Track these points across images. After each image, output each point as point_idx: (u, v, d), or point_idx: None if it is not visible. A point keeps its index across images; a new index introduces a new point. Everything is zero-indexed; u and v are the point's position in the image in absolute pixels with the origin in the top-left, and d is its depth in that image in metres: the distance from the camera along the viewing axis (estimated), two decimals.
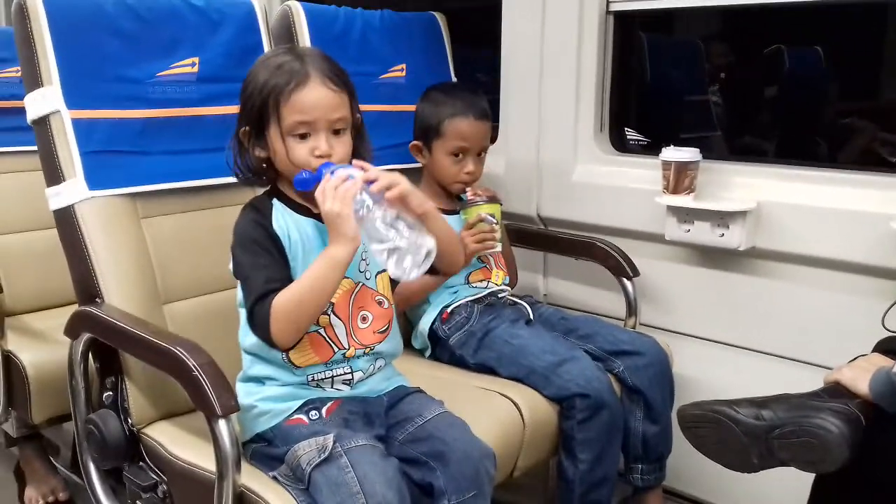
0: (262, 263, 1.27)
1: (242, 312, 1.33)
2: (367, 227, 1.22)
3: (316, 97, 1.28)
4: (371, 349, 1.37)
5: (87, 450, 1.51)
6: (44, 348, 1.84)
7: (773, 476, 1.35)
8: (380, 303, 1.40)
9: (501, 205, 1.87)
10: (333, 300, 1.33)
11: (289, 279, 1.28)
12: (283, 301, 1.23)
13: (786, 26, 2.34)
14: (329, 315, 1.33)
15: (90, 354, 1.50)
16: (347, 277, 1.34)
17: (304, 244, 1.32)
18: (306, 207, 1.34)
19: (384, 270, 1.41)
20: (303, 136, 1.28)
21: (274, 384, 1.33)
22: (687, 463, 1.65)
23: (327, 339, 1.33)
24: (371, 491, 1.15)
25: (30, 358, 1.83)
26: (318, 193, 1.24)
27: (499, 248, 1.84)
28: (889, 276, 1.59)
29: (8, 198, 2.17)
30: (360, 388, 1.37)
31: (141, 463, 1.47)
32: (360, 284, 1.37)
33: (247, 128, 1.32)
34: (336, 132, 1.31)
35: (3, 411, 1.90)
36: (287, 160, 1.29)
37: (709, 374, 1.89)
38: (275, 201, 1.34)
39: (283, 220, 1.32)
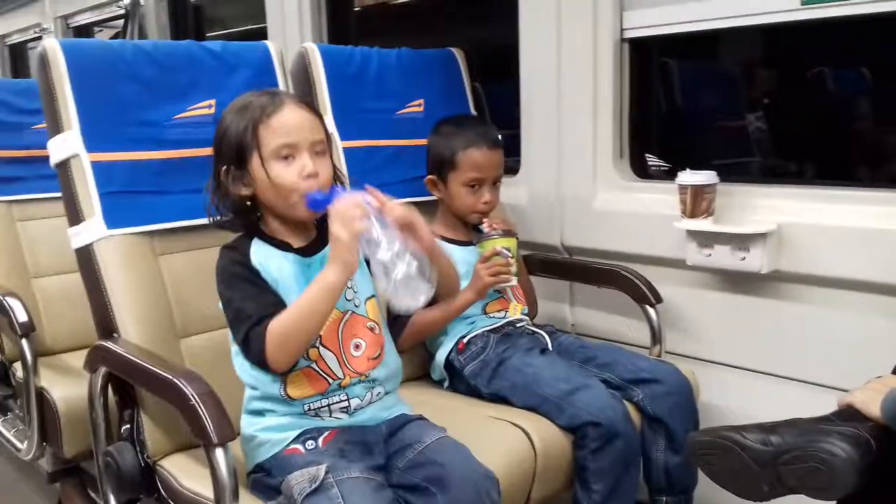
0: (250, 294, 1.30)
1: (234, 347, 1.35)
2: (373, 253, 1.23)
3: (295, 118, 1.31)
4: (366, 376, 1.38)
5: (106, 482, 1.54)
6: (74, 384, 1.88)
7: None
8: (371, 329, 1.40)
9: (517, 238, 1.87)
10: (321, 332, 1.33)
11: (279, 304, 1.29)
12: (277, 325, 1.25)
13: (815, 47, 2.29)
14: (318, 348, 1.34)
15: (109, 388, 1.55)
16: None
17: (283, 282, 1.33)
18: (287, 243, 1.36)
19: (373, 296, 1.42)
20: (286, 158, 1.30)
21: (273, 415, 1.35)
22: (716, 494, 1.59)
23: (320, 371, 1.34)
24: None
25: (60, 394, 1.90)
26: (331, 218, 1.24)
27: (514, 281, 1.83)
28: None
29: (47, 242, 2.28)
30: (359, 417, 1.37)
31: (157, 495, 1.50)
32: (350, 313, 1.38)
33: (227, 167, 1.33)
34: (318, 154, 1.33)
35: (37, 447, 1.96)
36: (272, 187, 1.31)
37: (736, 401, 1.84)
38: (255, 240, 1.36)
39: (262, 257, 1.34)
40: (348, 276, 1.25)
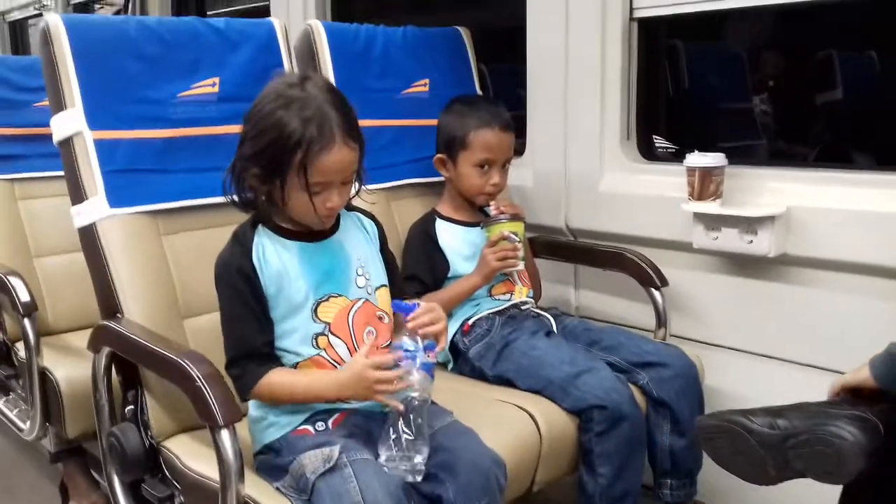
0: (236, 315, 1.32)
1: None
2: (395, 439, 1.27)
3: (339, 160, 1.28)
4: None
5: (109, 462, 1.54)
6: (77, 365, 1.88)
7: (810, 491, 1.30)
8: (380, 318, 1.40)
9: (525, 222, 1.85)
10: (329, 320, 1.34)
11: (261, 331, 1.32)
12: (275, 384, 1.31)
13: (824, 30, 2.27)
14: (328, 336, 1.34)
15: (113, 368, 1.54)
16: (341, 296, 1.35)
17: (287, 273, 1.33)
18: (294, 232, 1.36)
19: (384, 286, 1.42)
20: (315, 193, 1.29)
21: None
22: (720, 478, 1.59)
23: (330, 360, 1.34)
24: (373, 501, 1.15)
25: (63, 374, 1.89)
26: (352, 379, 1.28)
27: (521, 266, 1.82)
28: None
29: (50, 221, 2.26)
30: (368, 402, 1.36)
31: (160, 475, 1.50)
32: (362, 301, 1.38)
33: (256, 170, 1.29)
34: (343, 183, 1.32)
35: (39, 427, 1.96)
36: (286, 203, 1.31)
37: (742, 385, 1.83)
38: (259, 228, 1.35)
39: (265, 249, 1.33)
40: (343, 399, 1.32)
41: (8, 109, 2.32)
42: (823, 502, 1.33)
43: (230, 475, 1.20)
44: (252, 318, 1.31)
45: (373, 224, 1.49)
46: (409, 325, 1.27)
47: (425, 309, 1.30)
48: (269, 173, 1.29)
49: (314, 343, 1.33)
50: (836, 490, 1.28)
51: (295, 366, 1.34)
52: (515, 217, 1.82)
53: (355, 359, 1.28)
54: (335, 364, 1.34)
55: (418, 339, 1.27)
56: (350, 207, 1.46)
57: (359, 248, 1.42)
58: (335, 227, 1.41)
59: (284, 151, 1.25)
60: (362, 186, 1.41)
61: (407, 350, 1.27)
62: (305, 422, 1.33)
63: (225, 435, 1.20)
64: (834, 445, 1.12)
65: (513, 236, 1.79)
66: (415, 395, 1.25)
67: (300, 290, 1.33)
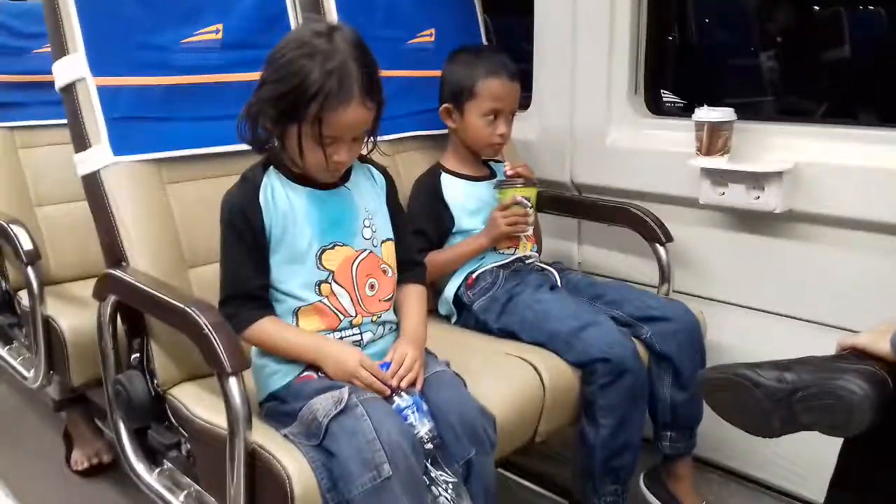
0: (234, 256, 1.34)
1: None
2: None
3: (353, 118, 1.28)
4: (378, 317, 1.38)
5: (115, 410, 1.55)
6: (82, 313, 1.88)
7: (807, 443, 1.31)
8: (384, 271, 1.41)
9: (538, 187, 1.84)
10: (333, 269, 1.35)
11: (256, 275, 1.34)
12: (267, 332, 1.33)
13: None
14: (331, 283, 1.34)
15: (118, 316, 1.54)
16: (346, 245, 1.36)
17: (294, 216, 1.34)
18: (302, 177, 1.36)
19: (390, 239, 1.42)
20: (325, 144, 1.29)
21: None
22: (719, 431, 1.60)
23: (332, 308, 1.35)
24: (387, 437, 1.16)
25: (68, 323, 1.89)
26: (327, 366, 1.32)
27: (529, 231, 1.82)
28: None
29: (51, 169, 2.24)
30: (369, 350, 1.37)
31: (166, 423, 1.51)
32: (367, 252, 1.38)
33: (273, 113, 1.29)
34: (354, 140, 1.32)
35: (44, 375, 1.97)
36: (297, 152, 1.30)
37: (744, 341, 1.84)
38: (270, 170, 1.35)
39: (275, 190, 1.34)
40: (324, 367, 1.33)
41: (7, 56, 2.28)
42: (820, 453, 1.35)
43: (238, 422, 1.20)
44: (249, 260, 1.33)
45: (382, 177, 1.49)
46: (393, 383, 1.28)
47: (397, 361, 1.31)
48: (285, 119, 1.29)
49: (317, 290, 1.34)
50: (834, 441, 1.29)
51: (297, 310, 1.35)
52: (529, 182, 1.81)
53: (351, 351, 1.31)
54: (337, 312, 1.35)
55: (403, 394, 1.28)
56: (363, 159, 1.45)
57: (367, 199, 1.42)
58: (346, 177, 1.41)
59: (302, 100, 1.25)
60: (377, 144, 1.42)
61: (402, 409, 1.27)
62: (308, 367, 1.34)
63: (233, 382, 1.20)
64: (844, 399, 1.12)
65: (525, 201, 1.78)
66: (424, 435, 1.25)
67: (304, 236, 1.34)
